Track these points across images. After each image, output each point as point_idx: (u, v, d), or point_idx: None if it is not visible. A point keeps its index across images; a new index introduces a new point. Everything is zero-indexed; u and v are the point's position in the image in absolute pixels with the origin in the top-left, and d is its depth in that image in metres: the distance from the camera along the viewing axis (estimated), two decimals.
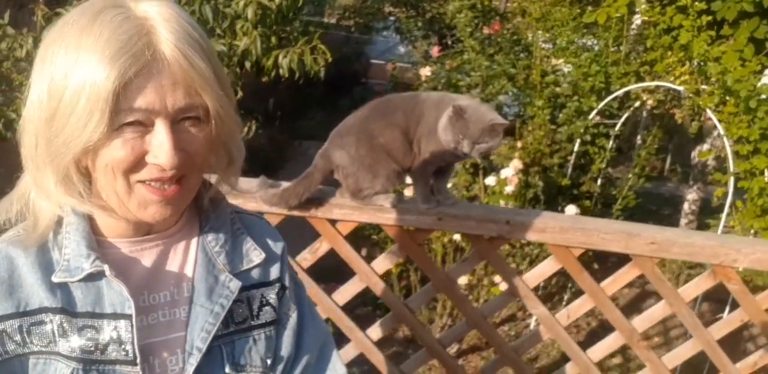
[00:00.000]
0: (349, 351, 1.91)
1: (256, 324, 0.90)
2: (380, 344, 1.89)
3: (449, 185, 3.05)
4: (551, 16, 4.04)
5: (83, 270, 0.78)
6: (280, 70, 3.03)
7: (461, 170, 3.82)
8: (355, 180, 1.57)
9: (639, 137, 5.37)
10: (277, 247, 0.95)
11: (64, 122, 0.71)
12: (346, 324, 1.85)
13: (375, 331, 1.88)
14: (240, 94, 3.38)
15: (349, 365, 1.76)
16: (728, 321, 1.75)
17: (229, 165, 0.86)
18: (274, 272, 0.93)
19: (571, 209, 3.42)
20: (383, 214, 1.67)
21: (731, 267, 1.63)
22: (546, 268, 1.74)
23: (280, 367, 0.93)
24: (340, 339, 2.13)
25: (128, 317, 0.79)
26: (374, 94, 5.64)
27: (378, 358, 1.88)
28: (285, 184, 1.65)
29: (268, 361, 0.91)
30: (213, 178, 0.89)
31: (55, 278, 0.78)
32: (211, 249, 0.88)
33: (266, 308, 0.91)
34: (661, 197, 6.93)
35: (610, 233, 1.60)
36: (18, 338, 0.77)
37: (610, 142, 3.83)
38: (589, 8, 4.28)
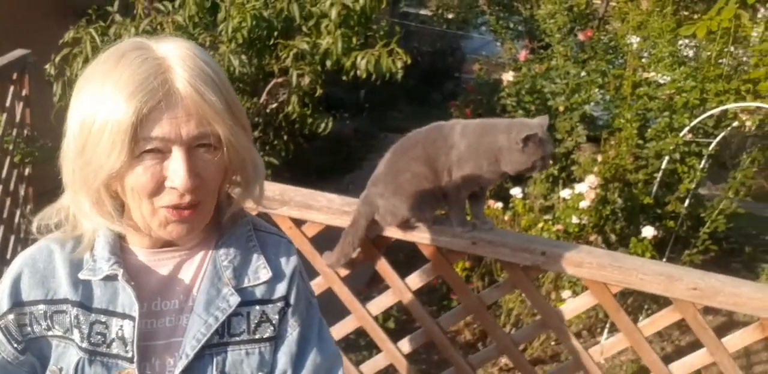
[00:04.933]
0: (379, 361, 1.94)
1: (252, 338, 0.95)
2: (415, 355, 1.89)
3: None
4: (649, 25, 3.81)
5: (103, 271, 0.88)
6: (358, 71, 3.07)
7: (538, 180, 3.73)
8: (399, 215, 1.63)
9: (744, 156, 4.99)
10: (288, 267, 0.99)
11: (92, 152, 0.81)
12: (378, 335, 1.88)
13: (407, 344, 1.89)
14: (320, 91, 3.46)
15: None
16: None
17: (247, 187, 0.94)
18: (281, 290, 0.97)
19: (649, 231, 3.25)
20: (418, 233, 1.68)
21: None
22: (582, 302, 1.68)
23: None
24: (371, 349, 2.16)
25: (133, 319, 0.88)
26: (465, 90, 5.58)
27: (407, 371, 1.90)
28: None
29: None
30: (236, 193, 0.96)
31: (81, 275, 0.89)
32: (220, 263, 0.94)
33: (265, 324, 0.96)
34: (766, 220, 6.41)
35: (649, 275, 1.53)
36: (43, 322, 0.89)
37: (702, 161, 3.60)
38: (696, 16, 4.02)
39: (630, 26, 4.08)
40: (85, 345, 0.88)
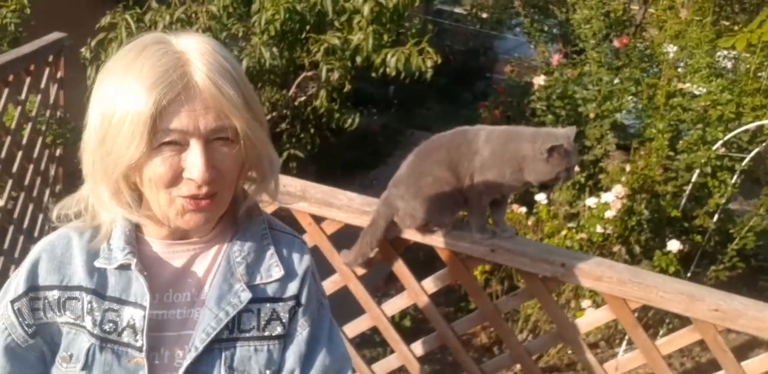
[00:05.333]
0: (392, 362, 1.93)
1: (261, 335, 0.95)
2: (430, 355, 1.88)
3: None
4: (687, 35, 3.73)
5: (117, 260, 0.90)
6: (387, 69, 3.06)
7: (564, 187, 3.67)
8: (418, 218, 1.61)
9: None
10: (301, 266, 0.99)
11: (112, 142, 0.82)
12: (392, 336, 1.87)
13: (419, 347, 1.88)
14: (348, 87, 3.46)
15: None
16: None
17: (262, 181, 0.95)
18: (292, 289, 0.97)
19: (674, 244, 3.18)
20: (437, 237, 1.67)
21: None
22: (599, 316, 1.66)
23: None
24: (386, 346, 2.16)
25: (144, 308, 0.90)
26: (496, 91, 5.52)
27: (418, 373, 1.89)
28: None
29: (267, 373, 0.95)
30: (251, 188, 0.97)
31: (97, 264, 0.90)
32: (234, 259, 0.95)
33: (275, 322, 0.96)
34: None
35: (669, 293, 1.50)
36: (56, 307, 0.91)
37: (734, 176, 3.52)
38: (736, 27, 3.92)
39: (668, 35, 4.00)
40: (96, 331, 0.89)
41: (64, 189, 2.83)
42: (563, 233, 3.19)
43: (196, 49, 0.83)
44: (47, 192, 2.67)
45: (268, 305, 0.95)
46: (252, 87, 0.88)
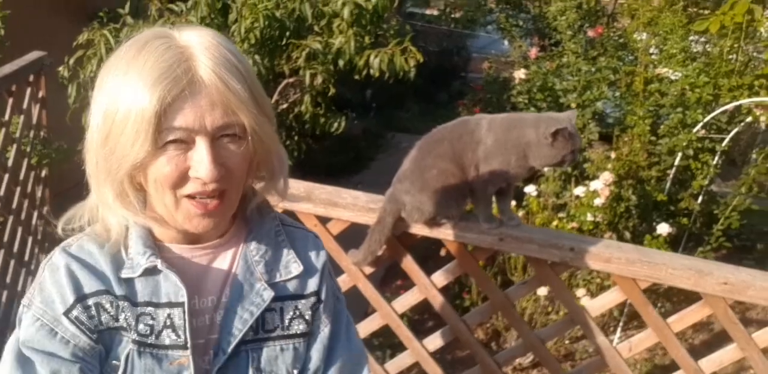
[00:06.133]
0: (405, 360, 1.93)
1: (286, 334, 0.94)
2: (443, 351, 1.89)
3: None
4: (660, 21, 3.80)
5: (141, 266, 0.87)
6: (371, 70, 3.07)
7: (551, 178, 3.71)
8: (426, 212, 1.62)
9: (753, 153, 4.97)
10: (319, 261, 0.99)
11: (115, 142, 0.79)
12: (404, 333, 1.88)
13: (432, 342, 1.89)
14: (332, 91, 3.46)
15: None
16: None
17: (272, 178, 0.92)
18: (312, 285, 0.97)
19: (664, 228, 3.23)
20: (445, 229, 1.68)
21: None
22: (609, 298, 1.68)
23: None
24: (398, 347, 2.16)
25: (181, 304, 0.87)
26: (472, 89, 5.56)
27: (433, 369, 1.90)
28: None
29: (295, 372, 0.95)
30: (260, 186, 0.94)
31: (122, 275, 0.87)
32: (252, 258, 0.93)
33: (298, 320, 0.95)
34: None
35: (678, 269, 1.52)
36: (112, 311, 0.86)
37: (716, 158, 3.59)
38: (706, 11, 4.01)
39: (640, 22, 4.07)
40: (134, 336, 0.87)
41: (52, 210, 2.78)
42: (554, 223, 3.22)
43: (200, 43, 0.80)
44: (35, 215, 2.62)
45: (290, 303, 0.95)
46: (259, 82, 0.85)
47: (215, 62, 0.78)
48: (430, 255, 2.87)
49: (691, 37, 3.96)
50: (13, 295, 2.32)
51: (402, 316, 3.00)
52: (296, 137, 4.18)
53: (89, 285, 0.87)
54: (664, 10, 3.94)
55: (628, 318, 3.35)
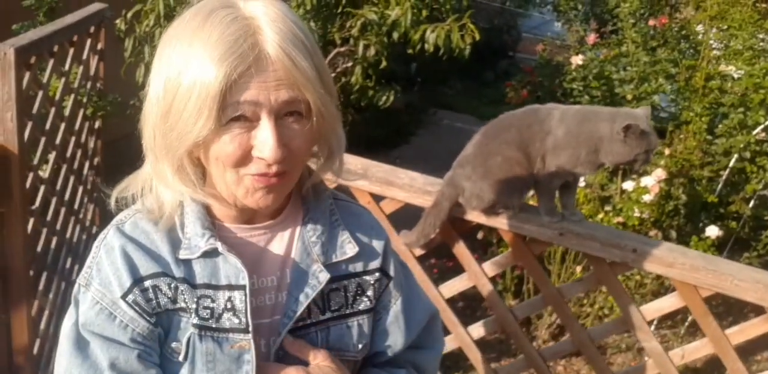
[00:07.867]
0: (448, 345, 1.92)
1: (351, 311, 0.94)
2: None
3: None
4: (729, 16, 3.63)
5: (200, 248, 0.85)
6: (425, 45, 2.99)
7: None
8: (486, 199, 1.58)
9: None
10: (376, 239, 0.97)
11: (177, 117, 0.77)
12: (449, 318, 1.85)
13: (477, 330, 1.87)
14: (384, 64, 3.39)
15: (445, 358, 1.78)
16: None
17: (329, 158, 0.90)
18: (374, 261, 0.95)
19: (713, 230, 3.14)
20: (503, 219, 1.64)
21: None
22: (667, 303, 1.63)
23: (379, 350, 0.97)
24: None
25: (242, 287, 0.85)
26: (519, 70, 5.43)
27: (475, 356, 1.88)
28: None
29: (359, 346, 0.95)
30: (317, 164, 0.92)
31: (180, 256, 0.85)
32: (308, 239, 0.91)
33: (362, 297, 0.94)
34: None
35: (745, 281, 1.47)
36: (170, 294, 0.85)
37: None
38: None
39: (707, 15, 3.91)
40: (195, 320, 0.85)
41: (102, 161, 2.80)
42: (599, 216, 3.15)
43: (266, 15, 0.76)
44: (86, 165, 2.64)
45: (352, 280, 0.94)
46: (323, 56, 0.81)
47: (282, 37, 0.75)
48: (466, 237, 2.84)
49: (760, 35, 3.80)
50: (62, 241, 2.35)
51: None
52: (340, 108, 4.14)
53: (145, 266, 0.84)
54: (735, 3, 3.76)
55: (659, 320, 3.30)
